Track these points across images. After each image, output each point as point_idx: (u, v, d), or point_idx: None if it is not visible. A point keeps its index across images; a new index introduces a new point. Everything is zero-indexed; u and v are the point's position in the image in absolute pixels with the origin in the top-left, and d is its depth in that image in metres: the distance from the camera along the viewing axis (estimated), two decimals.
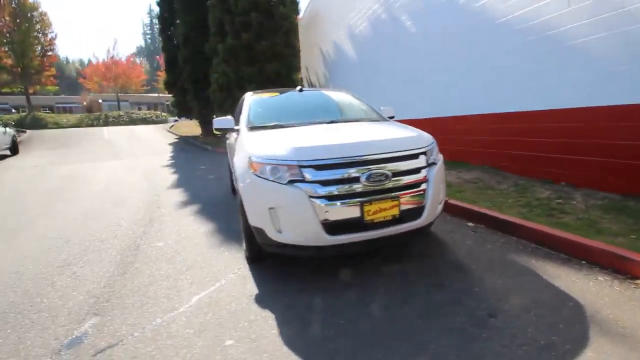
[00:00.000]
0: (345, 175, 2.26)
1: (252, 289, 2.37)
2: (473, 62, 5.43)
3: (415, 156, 2.47)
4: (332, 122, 3.20)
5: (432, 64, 6.50)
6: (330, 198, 2.23)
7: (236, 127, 3.30)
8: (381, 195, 2.29)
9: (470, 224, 3.40)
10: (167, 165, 9.56)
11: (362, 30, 9.79)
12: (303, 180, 2.24)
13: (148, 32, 67.19)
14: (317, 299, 2.18)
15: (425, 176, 2.48)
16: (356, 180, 2.27)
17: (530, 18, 4.31)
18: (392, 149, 2.41)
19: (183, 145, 15.80)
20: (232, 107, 14.24)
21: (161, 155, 12.00)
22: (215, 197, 5.41)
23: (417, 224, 2.46)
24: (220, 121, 3.40)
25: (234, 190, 5.20)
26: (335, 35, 12.22)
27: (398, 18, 7.73)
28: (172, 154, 12.52)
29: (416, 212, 2.45)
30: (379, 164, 2.32)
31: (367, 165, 2.30)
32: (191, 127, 23.58)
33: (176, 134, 20.93)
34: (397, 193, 2.34)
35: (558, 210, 3.34)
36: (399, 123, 3.33)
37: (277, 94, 3.91)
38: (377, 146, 2.40)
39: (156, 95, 44.71)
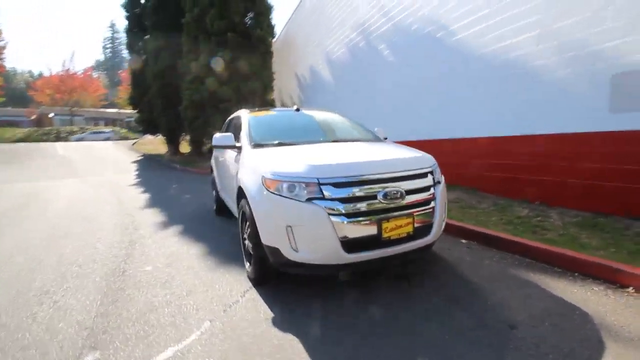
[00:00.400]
0: (363, 193, 2.29)
1: (266, 311, 2.27)
2: (445, 95, 5.85)
3: (424, 175, 2.57)
4: (334, 141, 3.26)
5: (407, 94, 6.89)
6: (349, 215, 2.23)
7: (237, 145, 3.24)
8: (397, 213, 2.34)
9: (463, 240, 3.55)
10: (135, 184, 9.03)
11: (339, 56, 10.18)
12: (322, 198, 2.24)
13: (108, 46, 64.61)
14: (338, 320, 2.14)
15: (433, 194, 2.58)
16: (373, 197, 2.30)
17: (504, 54, 4.77)
18: (404, 167, 2.49)
19: (149, 164, 15.05)
20: (204, 124, 14.00)
21: (126, 174, 11.31)
22: (198, 217, 5.17)
23: (426, 241, 2.53)
24: (220, 138, 3.32)
25: (219, 210, 5.02)
26: (311, 60, 12.59)
27: (371, 48, 8.17)
28: (137, 172, 11.85)
29: (426, 229, 2.52)
30: (393, 182, 2.39)
31: (383, 183, 2.35)
32: (156, 145, 22.62)
33: (139, 152, 19.92)
34: (411, 210, 2.41)
35: (540, 227, 3.60)
36: (397, 144, 3.46)
37: (274, 112, 3.91)
38: (391, 165, 2.48)
39: (115, 110, 42.55)
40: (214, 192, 5.36)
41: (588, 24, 3.72)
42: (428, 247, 2.65)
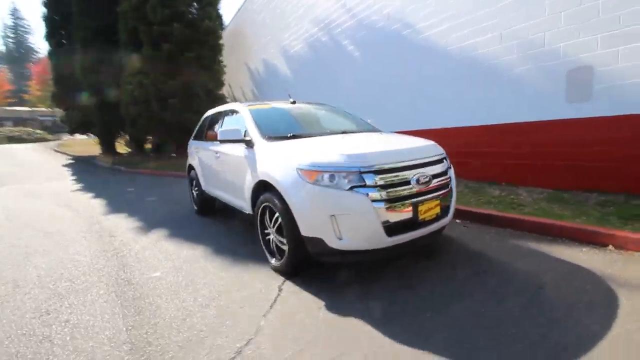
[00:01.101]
0: (399, 179, 2.40)
1: (315, 300, 2.26)
2: (412, 92, 6.26)
3: (441, 160, 2.78)
4: (344, 132, 3.32)
5: (374, 90, 7.19)
6: (389, 201, 2.33)
7: (247, 138, 3.12)
8: (428, 196, 2.50)
9: (457, 220, 3.88)
10: (80, 190, 8.04)
11: (298, 51, 10.15)
12: (363, 186, 2.30)
13: (10, 35, 55.22)
14: (387, 299, 2.23)
15: (450, 177, 2.81)
16: (407, 183, 2.43)
17: (471, 51, 5.25)
18: (427, 154, 2.67)
19: (84, 167, 13.41)
20: (149, 121, 12.87)
21: (63, 180, 9.97)
22: (177, 219, 4.83)
23: (446, 221, 2.75)
24: (226, 132, 3.15)
25: (203, 210, 4.76)
26: (265, 53, 12.33)
27: (334, 43, 8.33)
28: (76, 178, 10.51)
29: (446, 210, 2.74)
30: (422, 167, 2.54)
31: (414, 169, 2.49)
32: (85, 146, 20.27)
33: (68, 154, 17.63)
34: (437, 193, 2.59)
35: (516, 204, 4.09)
36: (398, 133, 3.64)
37: (271, 105, 3.82)
38: (418, 152, 2.63)
39: (27, 109, 36.82)
40: (193, 192, 5.05)
41: (546, 26, 4.30)
42: (444, 227, 2.87)
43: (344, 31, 8.07)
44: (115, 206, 5.98)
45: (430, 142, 2.96)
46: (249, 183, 3.01)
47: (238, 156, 3.24)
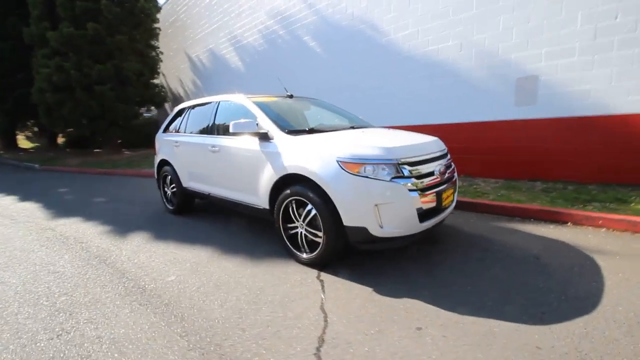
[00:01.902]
0: (426, 170, 2.65)
1: (362, 286, 2.37)
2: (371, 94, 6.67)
3: (447, 154, 3.12)
4: (352, 127, 3.45)
5: (336, 88, 7.42)
6: (421, 190, 2.56)
7: (261, 131, 3.03)
8: (446, 185, 2.80)
9: None
10: None
11: (252, 43, 9.85)
12: (401, 177, 2.48)
13: None
14: (426, 279, 2.45)
15: (454, 168, 3.17)
16: (432, 174, 2.69)
17: (433, 56, 5.80)
18: (439, 147, 2.98)
19: None
20: (73, 110, 11.10)
21: None
22: (149, 219, 4.42)
23: (453, 207, 3.11)
24: (240, 124, 3.00)
25: (181, 209, 4.44)
26: (212, 43, 11.65)
27: (294, 39, 8.34)
28: None
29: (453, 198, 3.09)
30: (439, 160, 2.84)
31: (434, 161, 2.76)
32: None
33: None
34: (451, 182, 2.91)
35: (479, 192, 4.72)
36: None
37: (274, 98, 3.74)
38: (435, 146, 2.92)
39: None
40: (167, 190, 4.66)
41: (500, 39, 5.01)
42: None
43: (304, 26, 8.12)
44: (58, 210, 5.16)
45: (436, 138, 3.28)
46: (268, 177, 2.95)
47: (250, 149, 3.13)
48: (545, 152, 4.80)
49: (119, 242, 3.60)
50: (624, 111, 4.08)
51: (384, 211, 2.42)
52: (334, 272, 2.64)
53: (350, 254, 2.87)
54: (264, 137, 3.05)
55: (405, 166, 2.51)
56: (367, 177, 2.42)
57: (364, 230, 2.44)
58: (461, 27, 5.40)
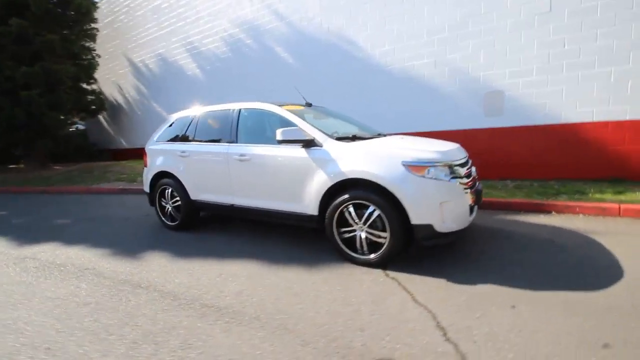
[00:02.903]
0: (467, 172, 2.99)
1: (437, 280, 2.56)
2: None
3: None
4: (379, 135, 3.68)
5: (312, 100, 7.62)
6: (469, 189, 2.88)
7: (307, 138, 3.05)
8: (477, 184, 3.19)
9: None
10: None
11: (214, 50, 9.51)
12: (457, 177, 2.77)
13: None
14: (484, 268, 2.75)
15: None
16: (470, 175, 3.05)
17: (410, 71, 6.38)
18: (466, 153, 3.36)
19: None
20: None
21: None
22: (147, 236, 4.03)
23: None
24: (288, 132, 2.99)
25: (186, 223, 4.13)
26: (161, 47, 10.90)
27: (263, 48, 8.33)
28: None
29: None
30: (468, 163, 3.22)
31: (467, 164, 3.13)
32: None
33: None
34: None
35: None
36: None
37: (301, 107, 3.76)
38: (463, 151, 3.29)
39: None
40: (167, 205, 4.27)
41: (470, 59, 5.77)
42: None
43: (275, 37, 8.17)
44: (18, 236, 4.35)
45: (459, 144, 3.67)
46: (319, 184, 2.98)
47: (294, 157, 3.12)
48: (512, 155, 5.65)
49: (136, 264, 3.22)
50: (573, 121, 5.07)
51: (446, 208, 2.67)
52: (398, 269, 2.78)
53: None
54: (310, 144, 3.08)
55: (458, 167, 2.82)
56: (432, 178, 2.65)
57: (430, 227, 2.65)
58: (435, 47, 6.07)
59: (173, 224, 4.25)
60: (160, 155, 4.30)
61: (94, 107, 11.49)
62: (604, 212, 3.90)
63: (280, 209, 3.34)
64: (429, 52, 6.13)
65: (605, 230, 3.46)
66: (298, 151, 3.13)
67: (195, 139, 4.01)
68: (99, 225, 4.73)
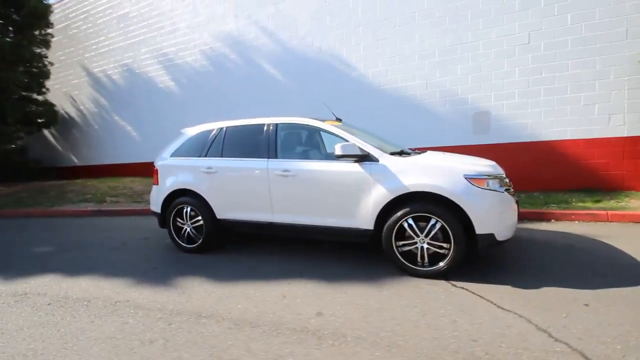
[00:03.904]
0: (509, 184, 3.25)
1: (499, 287, 2.70)
2: None
3: None
4: (402, 150, 3.84)
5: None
6: (515, 199, 3.13)
7: (362, 154, 3.08)
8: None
9: None
10: None
11: (192, 64, 9.14)
12: (506, 189, 3.00)
13: None
14: (537, 272, 2.97)
15: None
16: (510, 188, 3.32)
17: (402, 91, 6.77)
18: None
19: None
20: None
21: None
22: (166, 261, 3.69)
23: None
24: (347, 147, 2.99)
25: (209, 245, 3.87)
26: (127, 57, 10.20)
27: (248, 63, 8.25)
28: None
29: None
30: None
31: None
32: None
33: None
34: None
35: None
36: None
37: (339, 123, 3.77)
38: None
39: None
40: (185, 227, 3.92)
41: (458, 82, 6.32)
42: None
43: (263, 54, 8.15)
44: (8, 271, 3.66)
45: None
46: (377, 198, 3.00)
47: (349, 172, 3.12)
48: None
49: (176, 292, 2.91)
50: (551, 138, 5.77)
51: (504, 217, 2.87)
52: (458, 279, 2.88)
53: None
54: (364, 158, 3.11)
55: (505, 180, 3.06)
56: (491, 190, 2.84)
57: (491, 236, 2.81)
58: (426, 70, 6.55)
59: (192, 246, 3.91)
60: (177, 171, 3.98)
61: (42, 119, 10.21)
62: (595, 218, 4.47)
63: (329, 224, 3.28)
64: (420, 74, 6.59)
65: (606, 233, 3.95)
66: (351, 166, 3.14)
67: (223, 154, 3.80)
68: (92, 252, 4.17)
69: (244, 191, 3.63)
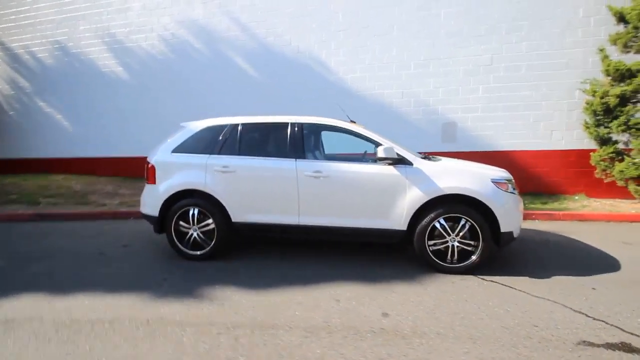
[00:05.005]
0: None
1: (522, 278, 3.06)
2: None
3: None
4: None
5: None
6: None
7: (397, 157, 3.19)
8: None
9: None
10: None
11: (148, 49, 8.23)
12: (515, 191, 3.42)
13: None
14: (550, 267, 3.42)
15: None
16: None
17: (379, 97, 7.09)
18: None
19: None
20: None
21: None
22: (175, 271, 3.33)
23: None
24: (387, 150, 3.06)
25: (221, 249, 3.59)
26: (66, 36, 8.72)
27: (217, 56, 7.78)
28: None
29: None
30: None
31: None
32: None
33: None
34: None
35: None
36: None
37: (362, 125, 3.81)
38: None
39: None
40: (190, 231, 3.56)
41: (430, 94, 6.88)
42: None
43: (235, 47, 7.75)
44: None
45: None
46: (412, 200, 3.14)
47: (386, 174, 3.20)
48: None
49: (212, 304, 2.64)
50: (506, 149, 6.65)
51: (518, 217, 3.27)
52: (485, 274, 3.17)
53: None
54: (399, 161, 3.23)
55: (514, 183, 3.48)
56: (511, 192, 3.20)
57: (511, 234, 3.18)
58: (402, 81, 6.99)
59: (198, 252, 3.55)
60: (182, 169, 3.58)
61: None
62: (551, 218, 5.31)
63: (360, 225, 3.31)
64: (397, 84, 7.01)
65: (566, 230, 4.69)
66: (387, 168, 3.23)
67: (240, 152, 3.54)
68: (66, 263, 3.50)
69: (267, 192, 3.44)
